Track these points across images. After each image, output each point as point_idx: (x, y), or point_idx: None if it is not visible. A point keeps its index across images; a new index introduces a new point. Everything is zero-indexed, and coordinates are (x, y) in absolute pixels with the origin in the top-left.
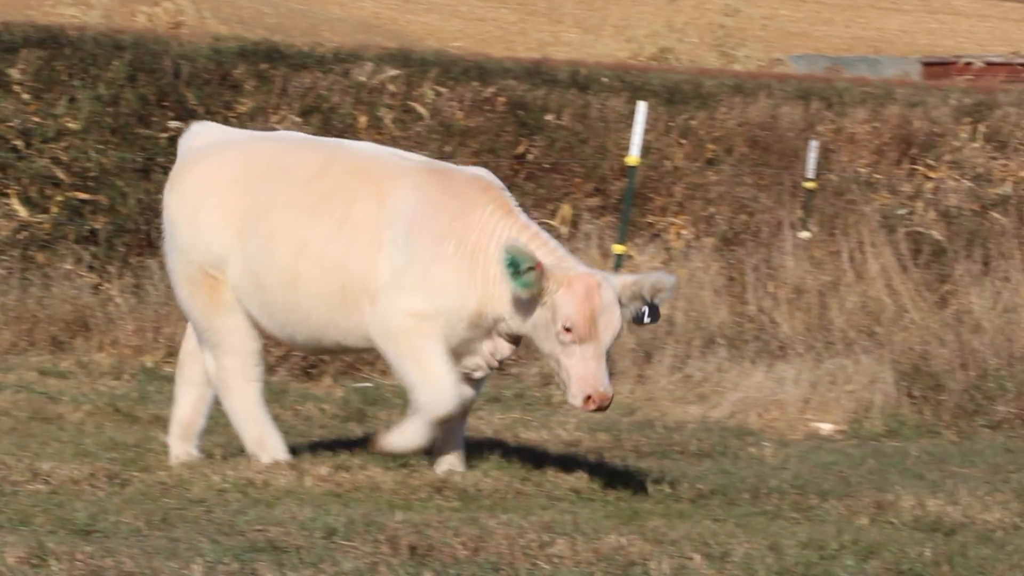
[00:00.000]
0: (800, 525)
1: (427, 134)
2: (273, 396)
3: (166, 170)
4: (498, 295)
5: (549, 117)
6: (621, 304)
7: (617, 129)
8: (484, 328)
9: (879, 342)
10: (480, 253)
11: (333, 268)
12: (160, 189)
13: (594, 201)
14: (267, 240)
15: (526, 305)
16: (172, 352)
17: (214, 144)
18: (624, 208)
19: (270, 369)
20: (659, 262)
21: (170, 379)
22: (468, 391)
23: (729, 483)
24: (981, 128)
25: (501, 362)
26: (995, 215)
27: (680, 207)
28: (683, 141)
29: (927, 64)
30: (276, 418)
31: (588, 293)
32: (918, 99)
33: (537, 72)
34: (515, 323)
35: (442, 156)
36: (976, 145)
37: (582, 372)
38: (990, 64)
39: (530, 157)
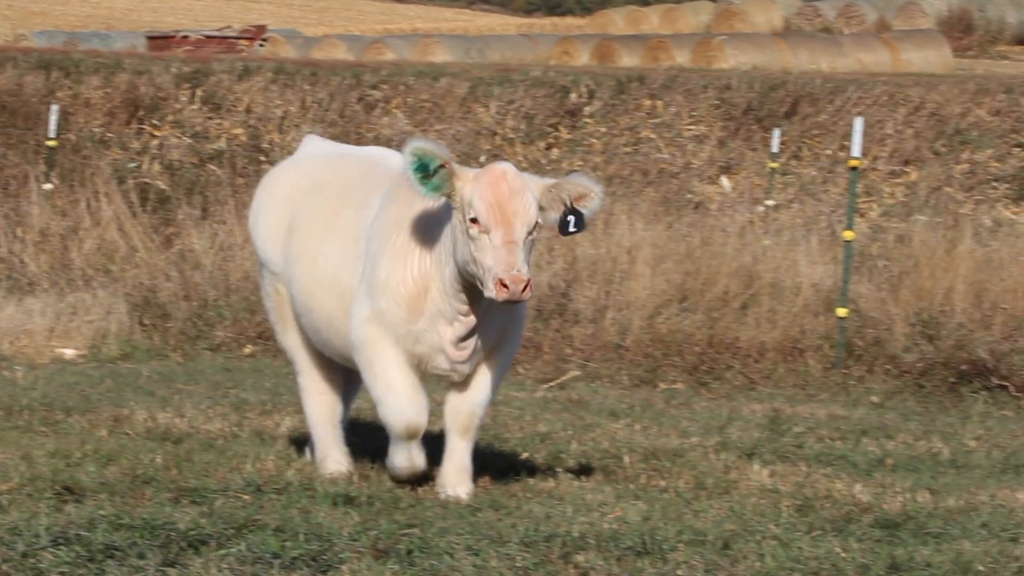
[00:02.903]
0: (48, 437)
1: None
2: None
3: None
4: (434, 262)
5: None
6: (542, 208)
7: None
8: (430, 313)
9: (114, 278)
10: (418, 231)
11: (330, 284)
12: None
13: None
14: (292, 260)
15: (440, 219)
16: None
17: (290, 160)
18: None
19: None
20: None
21: None
22: (465, 405)
23: None
24: (199, 92)
25: (468, 346)
26: (212, 167)
27: None
28: None
29: (151, 38)
30: None
31: (493, 180)
32: (144, 68)
33: None
34: (447, 258)
35: None
36: (195, 107)
37: (491, 260)
38: (207, 37)
39: None
